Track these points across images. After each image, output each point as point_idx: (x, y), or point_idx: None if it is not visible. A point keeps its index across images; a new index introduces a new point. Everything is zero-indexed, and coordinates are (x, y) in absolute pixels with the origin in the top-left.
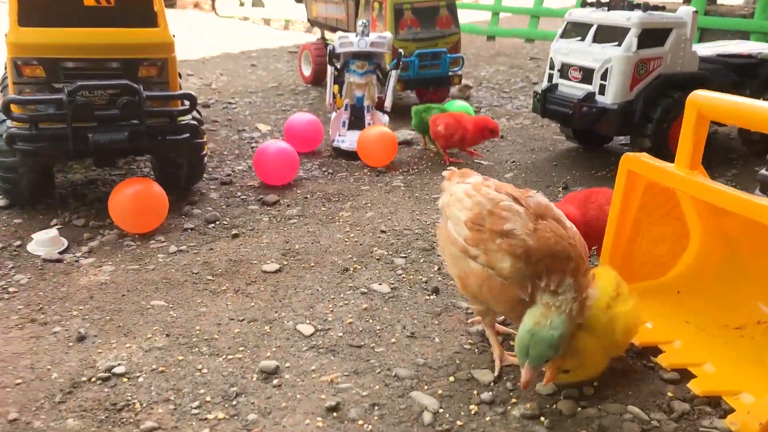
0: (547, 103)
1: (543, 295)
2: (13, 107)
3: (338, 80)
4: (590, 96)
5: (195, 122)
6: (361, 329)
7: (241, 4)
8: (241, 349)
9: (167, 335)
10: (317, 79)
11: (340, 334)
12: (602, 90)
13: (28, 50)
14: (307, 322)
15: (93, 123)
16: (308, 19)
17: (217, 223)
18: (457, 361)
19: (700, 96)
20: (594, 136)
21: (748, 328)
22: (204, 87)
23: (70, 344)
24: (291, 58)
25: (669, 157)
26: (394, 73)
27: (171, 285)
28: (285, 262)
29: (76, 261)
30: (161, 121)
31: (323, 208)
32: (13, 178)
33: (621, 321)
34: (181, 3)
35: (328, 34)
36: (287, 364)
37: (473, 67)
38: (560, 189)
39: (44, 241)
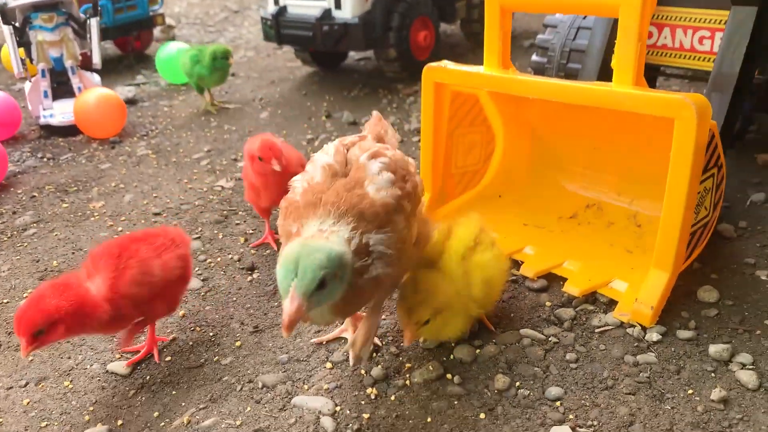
0: (281, 29)
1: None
2: None
3: (23, 42)
4: (327, 13)
5: None
6: (191, 343)
7: None
8: (44, 424)
9: None
10: None
11: (168, 357)
12: (338, 4)
13: None
14: (119, 355)
15: None
16: None
17: None
18: (324, 344)
19: None
20: (330, 57)
21: (580, 215)
22: None
23: None
24: None
25: (414, 64)
26: (94, 22)
27: None
28: None
29: None
30: None
31: (65, 205)
32: None
33: (479, 272)
34: None
35: None
36: (120, 422)
37: (164, 5)
38: (324, 118)
39: None
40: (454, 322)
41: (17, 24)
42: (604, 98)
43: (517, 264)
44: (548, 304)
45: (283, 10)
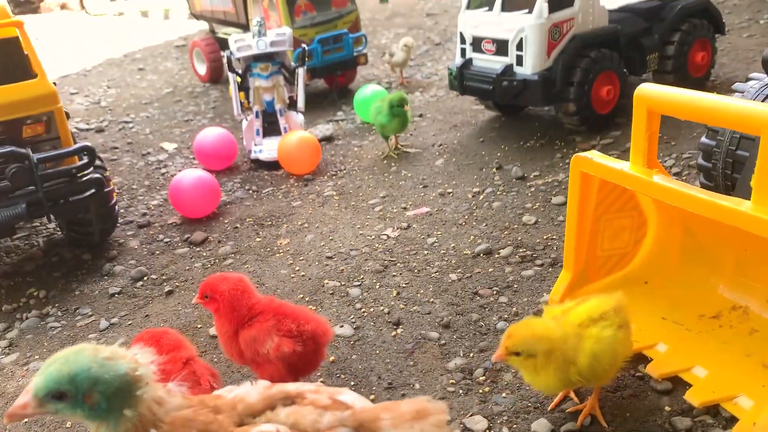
0: (464, 80)
1: None
2: None
3: (243, 86)
4: (508, 69)
5: (98, 175)
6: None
7: None
8: None
9: None
10: (214, 77)
11: None
12: (520, 61)
13: None
14: None
15: None
16: (192, 14)
17: (146, 279)
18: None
19: (648, 91)
20: (514, 103)
21: (724, 316)
22: (93, 106)
23: None
24: (180, 54)
25: (594, 118)
26: (301, 71)
27: None
28: None
29: None
30: (60, 183)
31: (258, 239)
32: None
33: (589, 343)
34: (46, 6)
35: (216, 27)
36: None
37: (372, 35)
38: (494, 170)
39: None
40: (545, 375)
41: (240, 72)
42: (738, 218)
43: (645, 359)
44: (667, 409)
45: (468, 63)
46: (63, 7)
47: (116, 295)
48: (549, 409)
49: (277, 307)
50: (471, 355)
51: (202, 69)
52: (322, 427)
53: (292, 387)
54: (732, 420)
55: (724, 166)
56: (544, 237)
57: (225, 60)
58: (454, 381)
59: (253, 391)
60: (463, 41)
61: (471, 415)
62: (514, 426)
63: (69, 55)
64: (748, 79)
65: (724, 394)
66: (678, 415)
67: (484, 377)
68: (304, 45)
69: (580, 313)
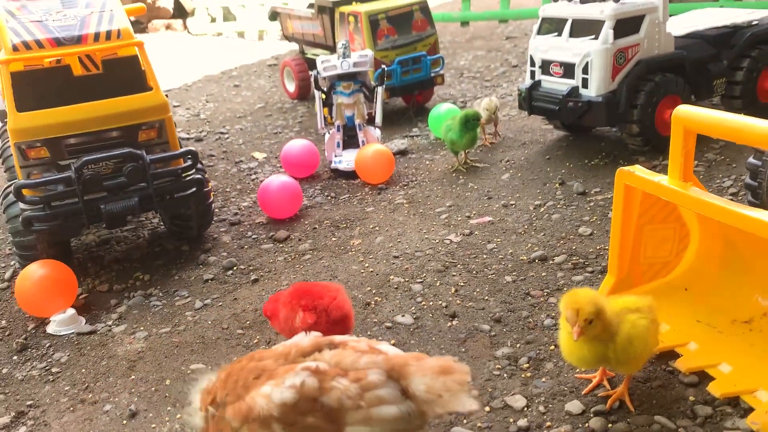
0: (532, 101)
1: None
2: (25, 191)
3: (327, 103)
4: (574, 90)
5: (199, 176)
6: None
7: (213, 20)
8: None
9: None
10: (302, 94)
11: None
12: (585, 83)
13: (31, 134)
14: None
15: (102, 193)
16: (284, 36)
17: (235, 269)
18: (490, 389)
19: (685, 112)
20: (578, 123)
21: (755, 321)
22: (193, 118)
23: (124, 422)
24: (272, 72)
25: (658, 139)
26: (380, 90)
27: (205, 345)
28: None
29: (109, 330)
30: (167, 181)
31: (334, 238)
32: (31, 255)
33: (626, 327)
34: (153, 27)
35: (306, 48)
36: None
37: (451, 57)
38: (557, 185)
39: (65, 320)
40: (587, 344)
41: (325, 89)
42: (758, 226)
43: (676, 356)
44: (692, 398)
45: (537, 84)
46: (168, 27)
47: (209, 281)
48: (583, 393)
49: (296, 288)
50: (518, 345)
51: (291, 87)
52: (360, 367)
53: (338, 337)
54: (750, 411)
55: None
56: (598, 247)
57: (312, 79)
58: (500, 366)
59: (306, 338)
60: (533, 64)
61: (512, 395)
62: (550, 405)
63: (173, 71)
64: None
65: (745, 387)
66: (700, 404)
67: (527, 365)
68: (384, 66)
69: (620, 303)
